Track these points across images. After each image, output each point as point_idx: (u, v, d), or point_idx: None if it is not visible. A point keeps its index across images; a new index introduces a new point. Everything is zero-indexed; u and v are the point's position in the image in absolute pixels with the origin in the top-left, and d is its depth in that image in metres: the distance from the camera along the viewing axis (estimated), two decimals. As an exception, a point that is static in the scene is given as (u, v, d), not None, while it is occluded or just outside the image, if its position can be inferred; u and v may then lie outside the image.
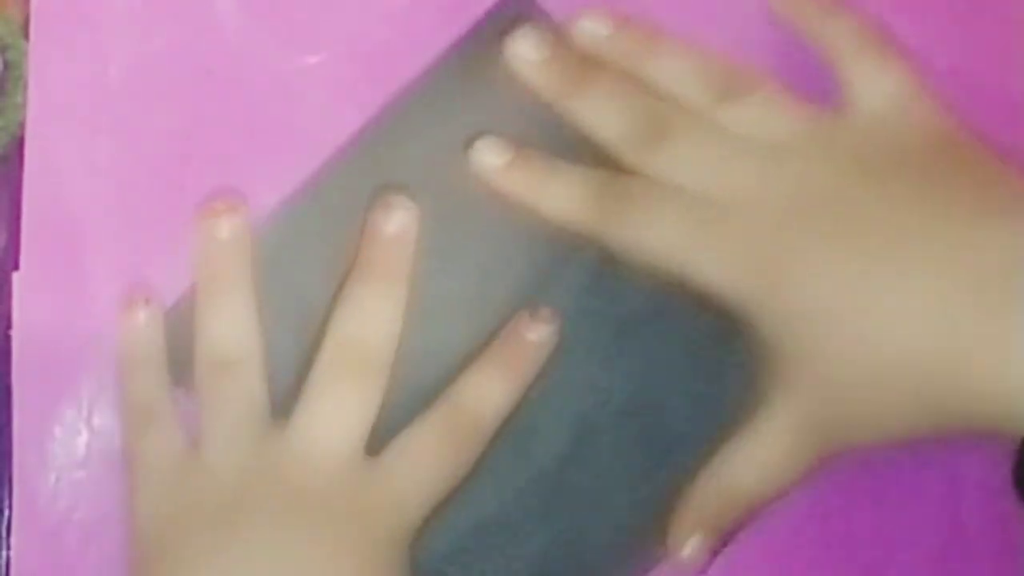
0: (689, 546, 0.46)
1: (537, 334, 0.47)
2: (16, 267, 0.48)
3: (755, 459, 0.45)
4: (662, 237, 0.46)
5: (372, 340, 0.47)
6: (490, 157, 0.48)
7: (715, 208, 0.45)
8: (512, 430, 0.47)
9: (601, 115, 0.47)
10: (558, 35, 0.48)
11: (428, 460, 0.46)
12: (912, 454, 0.48)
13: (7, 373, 0.48)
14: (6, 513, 0.48)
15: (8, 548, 0.48)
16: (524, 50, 0.47)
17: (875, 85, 0.47)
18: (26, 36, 0.49)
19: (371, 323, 0.47)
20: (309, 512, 0.44)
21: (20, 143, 0.49)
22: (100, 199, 0.49)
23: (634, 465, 0.48)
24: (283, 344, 0.48)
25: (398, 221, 0.47)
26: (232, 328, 0.47)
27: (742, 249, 0.45)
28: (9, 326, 0.48)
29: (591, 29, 0.47)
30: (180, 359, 0.48)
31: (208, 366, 0.47)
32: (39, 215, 0.49)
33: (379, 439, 0.47)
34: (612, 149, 0.47)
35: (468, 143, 0.48)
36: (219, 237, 0.47)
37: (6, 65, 0.49)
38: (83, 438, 0.48)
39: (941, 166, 0.45)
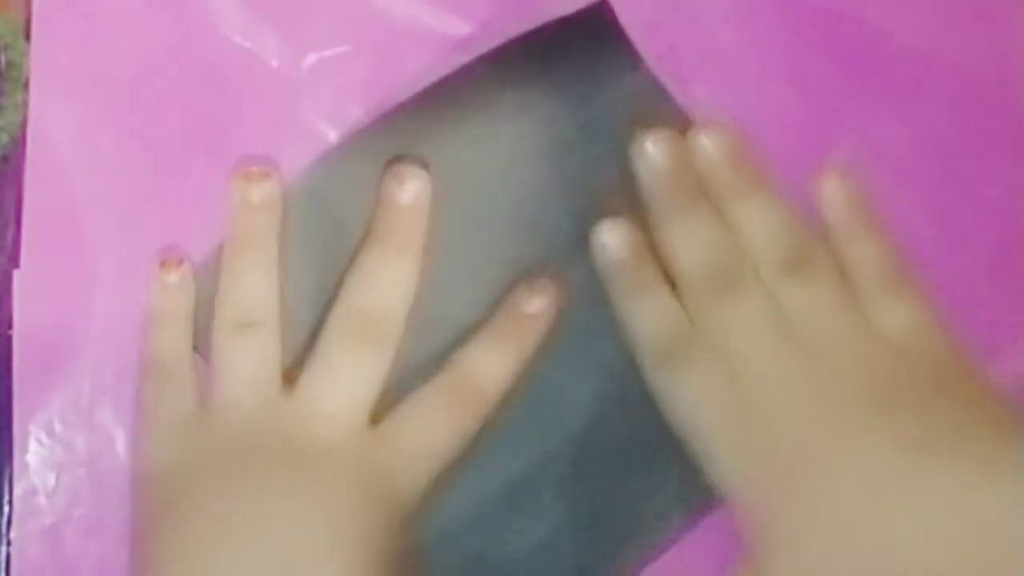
0: None
1: (535, 306, 0.48)
2: (17, 265, 0.49)
3: None
4: (692, 403, 0.47)
5: (382, 309, 0.47)
6: (610, 239, 0.49)
7: (742, 395, 0.46)
8: (538, 396, 0.48)
9: (687, 243, 0.48)
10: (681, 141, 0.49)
11: (429, 429, 0.47)
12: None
13: (7, 373, 0.48)
14: (6, 511, 0.48)
15: (8, 545, 0.48)
16: (654, 154, 0.48)
17: (894, 316, 0.48)
18: (26, 36, 0.49)
19: (382, 292, 0.47)
20: (311, 474, 0.45)
21: (20, 143, 0.49)
22: (100, 199, 0.49)
23: (658, 437, 0.48)
24: (302, 310, 0.48)
25: (411, 191, 0.48)
26: (254, 291, 0.47)
27: (752, 452, 0.46)
28: (9, 326, 0.48)
29: (704, 147, 0.48)
30: (197, 323, 0.48)
31: (227, 325, 0.47)
32: (40, 215, 0.49)
33: (388, 407, 0.47)
34: (680, 277, 0.48)
35: (506, 136, 0.49)
36: (250, 201, 0.48)
37: (6, 65, 0.49)
38: (83, 437, 0.48)
39: (949, 401, 0.46)
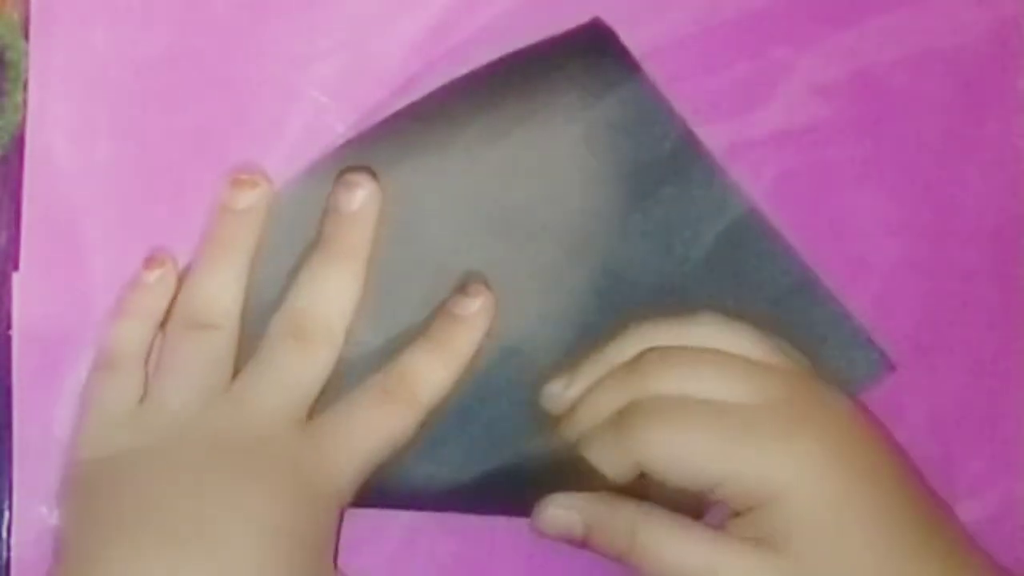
0: None
1: (468, 310, 0.48)
2: (16, 267, 0.48)
3: None
4: (692, 449, 0.45)
5: (323, 313, 0.48)
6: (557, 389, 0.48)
7: (739, 414, 0.45)
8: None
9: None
10: None
11: (361, 428, 0.47)
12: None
13: (7, 373, 0.48)
14: (6, 513, 0.48)
15: (8, 548, 0.48)
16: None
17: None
18: (26, 36, 0.49)
19: (324, 297, 0.48)
20: (244, 467, 0.45)
21: (20, 143, 0.49)
22: (100, 199, 0.49)
23: None
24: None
25: (359, 199, 0.48)
26: (216, 294, 0.48)
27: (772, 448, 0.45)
28: (9, 326, 0.48)
29: None
30: None
31: (185, 321, 0.48)
32: (39, 215, 0.49)
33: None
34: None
35: (503, 147, 0.49)
36: (234, 207, 0.48)
37: (6, 65, 0.49)
38: (83, 438, 0.48)
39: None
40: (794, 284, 0.49)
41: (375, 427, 0.47)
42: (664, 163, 0.49)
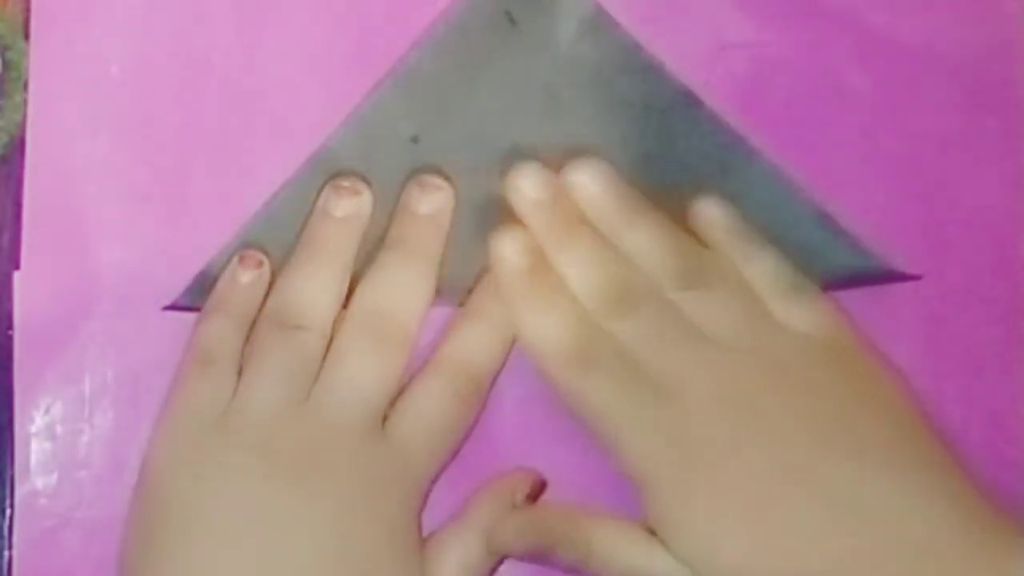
0: None
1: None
2: (17, 267, 0.48)
3: None
4: (602, 403, 0.47)
5: (397, 312, 0.48)
6: (508, 249, 0.49)
7: (654, 390, 0.47)
8: None
9: (577, 272, 0.48)
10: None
11: (436, 423, 0.47)
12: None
13: (7, 373, 0.48)
14: (7, 513, 0.48)
15: (10, 548, 0.48)
16: (524, 186, 0.49)
17: (799, 314, 0.48)
18: (26, 36, 0.49)
19: (399, 299, 0.48)
20: (325, 476, 0.45)
21: (20, 143, 0.49)
22: (100, 199, 0.49)
23: None
24: None
25: (432, 201, 0.49)
26: (313, 296, 0.48)
27: (663, 440, 0.46)
28: (9, 326, 0.48)
29: (582, 183, 0.49)
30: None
31: (277, 322, 0.47)
32: (40, 215, 0.49)
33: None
34: (582, 302, 0.48)
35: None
36: (332, 214, 0.49)
37: (6, 65, 0.49)
38: (84, 438, 0.48)
39: (855, 391, 0.47)
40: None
41: (448, 418, 0.47)
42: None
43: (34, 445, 0.48)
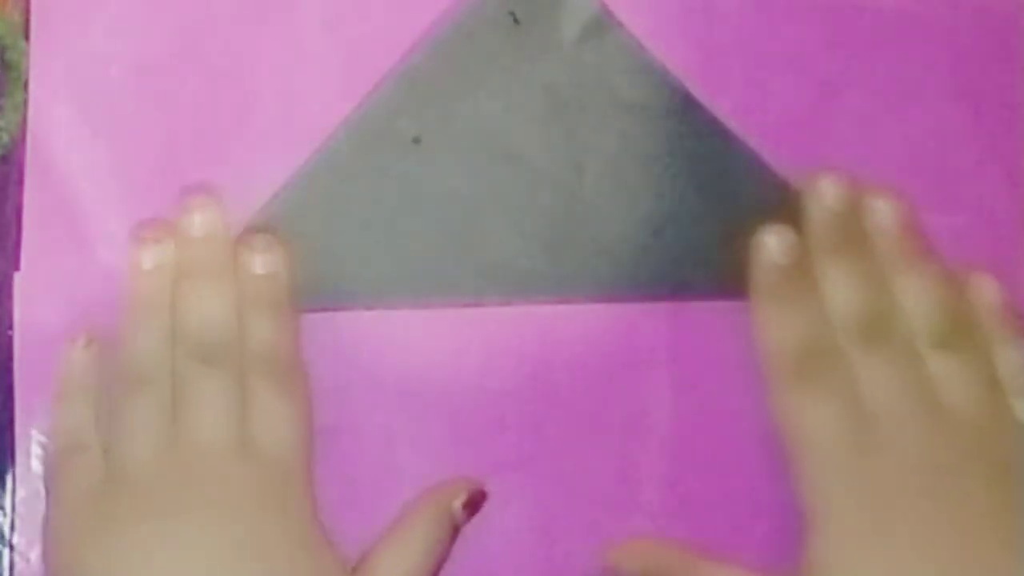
0: None
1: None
2: (17, 267, 0.48)
3: None
4: (814, 423, 0.48)
5: (218, 335, 0.47)
6: (773, 243, 0.49)
7: (868, 433, 0.47)
8: None
9: (844, 288, 0.49)
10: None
11: (280, 418, 0.47)
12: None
13: (8, 373, 0.48)
14: (8, 513, 0.48)
15: (11, 549, 0.48)
16: (827, 192, 0.49)
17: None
18: (26, 36, 0.49)
19: (217, 319, 0.48)
20: (209, 505, 0.46)
21: (20, 143, 0.49)
22: (100, 199, 0.49)
23: None
24: None
25: (200, 221, 0.48)
26: (149, 350, 0.47)
27: (857, 486, 0.47)
28: (9, 326, 0.48)
29: (882, 210, 0.49)
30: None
31: (124, 383, 0.47)
32: (39, 215, 0.49)
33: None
34: (833, 312, 0.48)
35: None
36: (143, 266, 0.48)
37: (6, 65, 0.49)
38: (85, 438, 0.48)
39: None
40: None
41: (288, 408, 0.47)
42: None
43: (35, 448, 0.48)
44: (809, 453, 0.47)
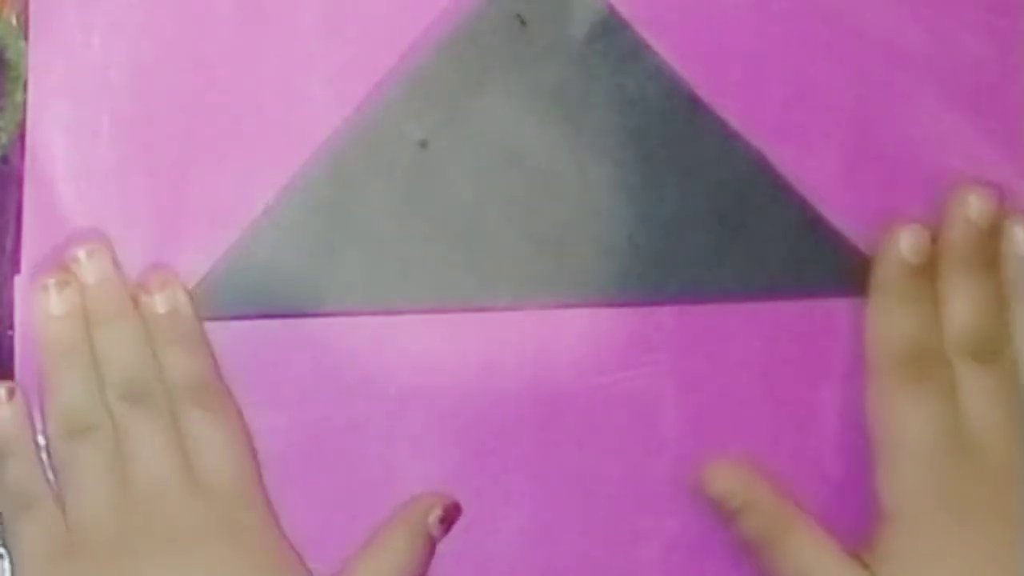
0: None
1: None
2: (17, 269, 0.48)
3: None
4: (912, 420, 0.48)
5: (137, 372, 0.47)
6: (907, 243, 0.49)
7: (962, 444, 0.48)
8: None
9: (965, 301, 0.49)
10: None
11: (218, 445, 0.47)
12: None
13: (9, 375, 0.48)
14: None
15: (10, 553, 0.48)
16: (974, 205, 0.49)
17: None
18: (26, 36, 0.48)
19: (132, 361, 0.47)
20: (174, 547, 0.46)
21: (20, 143, 0.48)
22: (100, 199, 0.49)
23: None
24: None
25: (92, 268, 0.48)
26: (84, 397, 0.47)
27: (944, 490, 0.48)
28: (10, 327, 0.48)
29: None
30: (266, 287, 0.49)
31: (63, 435, 0.47)
32: (39, 216, 0.48)
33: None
34: (949, 327, 0.49)
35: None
36: (53, 313, 0.47)
37: (6, 65, 0.48)
38: (85, 441, 0.48)
39: None
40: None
41: (215, 428, 0.47)
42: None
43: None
44: (900, 449, 0.48)
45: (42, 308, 0.47)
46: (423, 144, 0.49)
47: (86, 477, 0.47)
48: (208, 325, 0.49)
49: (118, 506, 0.46)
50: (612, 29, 0.50)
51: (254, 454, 0.48)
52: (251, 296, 0.49)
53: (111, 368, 0.47)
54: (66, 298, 0.47)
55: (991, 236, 0.50)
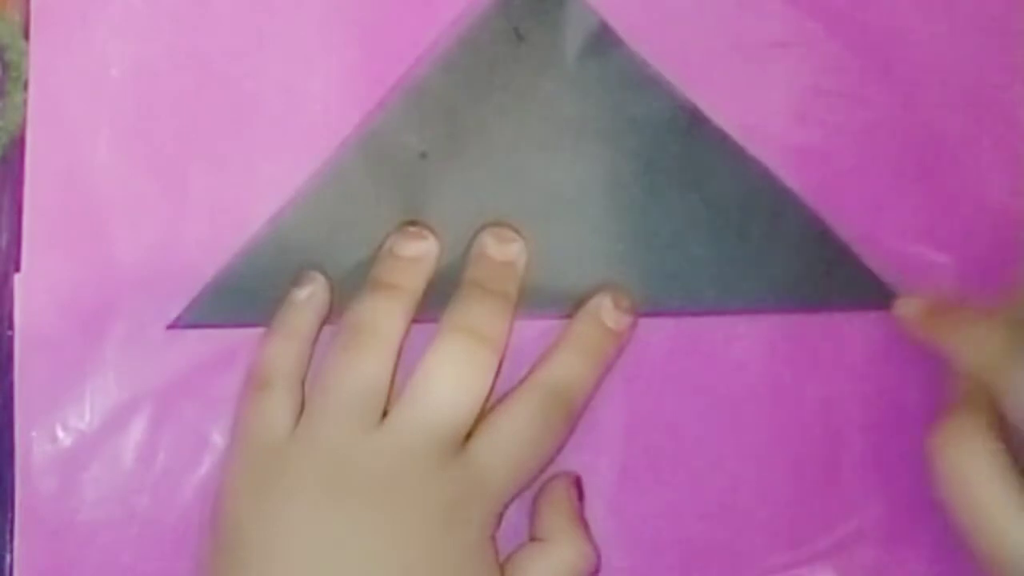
0: None
1: (617, 323, 0.49)
2: (18, 268, 0.48)
3: None
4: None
5: (488, 334, 0.47)
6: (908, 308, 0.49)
7: None
8: None
9: None
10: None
11: (520, 449, 0.46)
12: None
13: (8, 374, 0.48)
14: (8, 516, 0.48)
15: (11, 551, 0.48)
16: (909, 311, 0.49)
17: None
18: (26, 36, 0.49)
19: (485, 316, 0.47)
20: (398, 501, 0.45)
21: (20, 143, 0.49)
22: (100, 199, 0.49)
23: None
24: None
25: (512, 252, 0.49)
26: (383, 319, 0.47)
27: None
28: (10, 326, 0.48)
29: None
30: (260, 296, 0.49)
31: (342, 345, 0.46)
32: (40, 216, 0.49)
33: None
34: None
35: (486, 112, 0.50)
36: (400, 255, 0.48)
37: (6, 65, 0.49)
38: (86, 440, 0.48)
39: None
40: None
41: (532, 443, 0.47)
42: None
43: (35, 448, 0.48)
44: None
45: (392, 247, 0.48)
46: (423, 156, 0.49)
47: (345, 393, 0.45)
48: (210, 332, 0.49)
49: (361, 437, 0.45)
50: (607, 44, 0.50)
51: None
52: (251, 306, 0.49)
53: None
54: (419, 248, 0.49)
55: None
